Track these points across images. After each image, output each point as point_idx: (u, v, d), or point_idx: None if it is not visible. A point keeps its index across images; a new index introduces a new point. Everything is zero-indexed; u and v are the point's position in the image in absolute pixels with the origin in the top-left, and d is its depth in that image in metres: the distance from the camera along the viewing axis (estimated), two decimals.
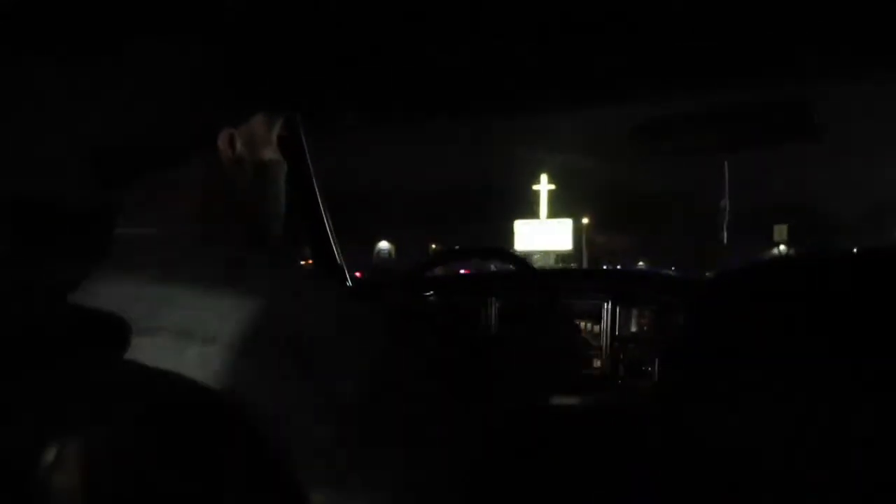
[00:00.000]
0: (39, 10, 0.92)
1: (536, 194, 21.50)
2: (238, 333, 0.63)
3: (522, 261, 1.50)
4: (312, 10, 1.12)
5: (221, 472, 0.60)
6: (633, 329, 1.55)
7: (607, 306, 1.56)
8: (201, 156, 0.71)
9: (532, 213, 21.09)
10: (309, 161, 1.63)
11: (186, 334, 0.63)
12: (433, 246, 22.85)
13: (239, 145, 0.73)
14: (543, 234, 19.06)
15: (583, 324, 1.58)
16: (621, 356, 1.53)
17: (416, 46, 1.30)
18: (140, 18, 0.97)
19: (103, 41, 0.80)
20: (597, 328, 1.57)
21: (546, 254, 18.92)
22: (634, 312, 1.54)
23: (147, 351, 0.61)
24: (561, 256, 19.46)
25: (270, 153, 0.78)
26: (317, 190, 1.67)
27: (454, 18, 1.19)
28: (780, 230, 20.87)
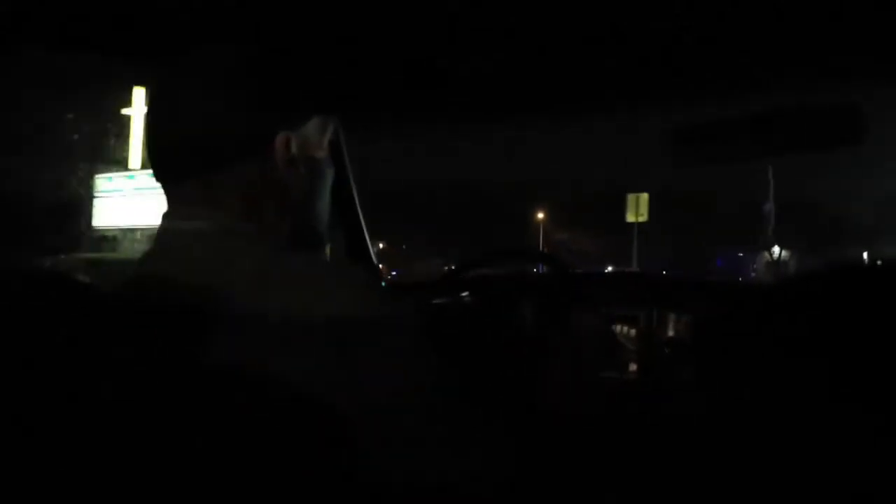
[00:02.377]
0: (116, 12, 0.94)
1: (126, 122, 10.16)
2: (286, 324, 0.65)
3: (559, 261, 1.51)
4: (366, 24, 1.14)
5: (270, 458, 0.61)
6: (671, 334, 1.55)
7: (644, 311, 1.56)
8: (258, 156, 0.75)
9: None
10: (348, 165, 1.64)
11: (240, 324, 0.66)
12: (381, 245, 22.12)
13: (294, 147, 0.77)
14: (134, 199, 9.42)
15: (619, 328, 1.58)
16: (658, 361, 1.54)
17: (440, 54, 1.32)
18: (208, 26, 0.98)
19: (174, 45, 0.83)
20: (633, 332, 1.57)
21: (132, 234, 9.58)
22: (672, 317, 1.55)
23: (200, 341, 0.64)
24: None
25: (321, 155, 0.83)
26: (355, 193, 1.68)
27: (475, 28, 1.21)
28: (636, 199, 16.66)
